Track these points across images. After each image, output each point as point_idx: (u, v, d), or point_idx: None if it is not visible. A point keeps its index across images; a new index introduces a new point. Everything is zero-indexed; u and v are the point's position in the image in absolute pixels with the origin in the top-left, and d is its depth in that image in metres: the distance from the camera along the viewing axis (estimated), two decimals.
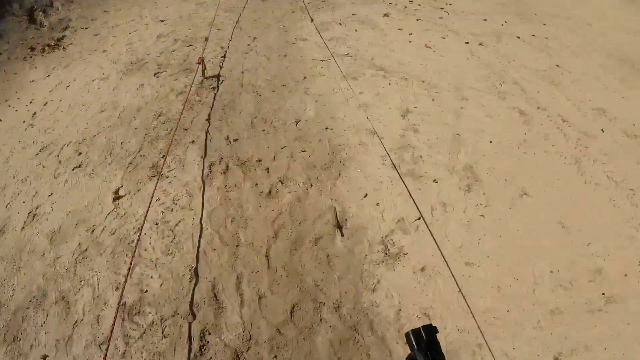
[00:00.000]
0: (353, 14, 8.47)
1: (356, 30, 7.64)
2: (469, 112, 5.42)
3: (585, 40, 8.81)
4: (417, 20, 8.32)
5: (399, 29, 7.80)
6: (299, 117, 5.24)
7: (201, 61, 6.25)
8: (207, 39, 7.26)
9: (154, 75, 6.51)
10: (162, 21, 8.57)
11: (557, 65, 7.09)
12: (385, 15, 8.42)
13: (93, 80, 6.55)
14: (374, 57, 6.59)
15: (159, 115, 5.63)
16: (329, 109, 5.35)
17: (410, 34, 7.55)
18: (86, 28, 8.53)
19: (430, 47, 7.03)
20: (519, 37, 8.22)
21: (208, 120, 5.43)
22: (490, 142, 4.91)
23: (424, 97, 5.60)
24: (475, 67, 6.63)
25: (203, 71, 6.30)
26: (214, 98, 5.83)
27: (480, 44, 7.49)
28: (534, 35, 8.55)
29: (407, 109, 5.34)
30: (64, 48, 7.71)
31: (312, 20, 8.00)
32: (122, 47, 7.52)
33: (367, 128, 4.96)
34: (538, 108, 5.72)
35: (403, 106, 5.39)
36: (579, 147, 5.07)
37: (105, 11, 9.36)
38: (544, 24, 9.54)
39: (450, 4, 9.94)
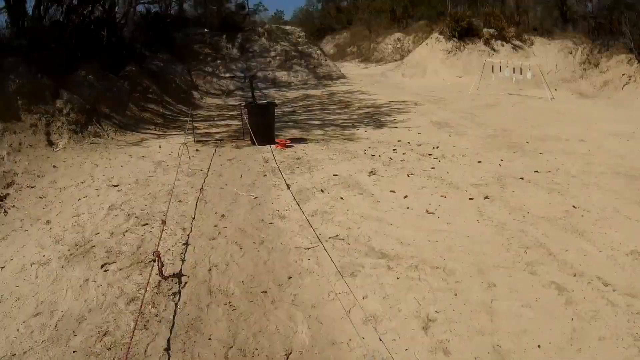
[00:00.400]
0: (335, 175, 7.56)
1: (342, 199, 6.64)
2: (503, 305, 4.26)
3: (586, 162, 8.15)
4: (408, 175, 7.46)
5: (391, 191, 6.85)
6: (289, 344, 3.96)
7: (157, 257, 5.04)
8: (164, 222, 6.10)
9: (101, 267, 5.25)
10: (116, 186, 7.54)
11: (574, 207, 6.19)
12: (372, 173, 7.55)
13: (31, 265, 5.29)
14: (370, 237, 5.50)
15: (104, 335, 4.26)
16: (328, 329, 4.09)
17: (406, 197, 6.59)
18: (32, 187, 7.45)
19: (432, 213, 6.02)
20: (522, 179, 7.38)
21: (167, 350, 4.10)
22: (539, 346, 3.70)
23: (445, 293, 4.43)
24: (491, 234, 5.60)
25: (160, 269, 5.08)
26: (175, 312, 4.54)
27: (486, 198, 6.55)
28: (536, 171, 7.74)
29: (427, 315, 4.14)
30: (5, 211, 6.59)
31: (288, 187, 7.00)
32: (68, 219, 6.39)
33: (383, 358, 3.69)
34: (574, 275, 4.67)
35: (422, 312, 4.18)
36: (632, 318, 3.98)
37: (54, 166, 8.37)
38: (540, 153, 8.87)
39: (438, 147, 9.26)
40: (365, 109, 15.67)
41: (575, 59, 27.30)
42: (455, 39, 27.40)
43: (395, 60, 37.82)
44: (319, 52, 28.44)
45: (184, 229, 6.09)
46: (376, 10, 45.93)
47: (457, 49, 27.37)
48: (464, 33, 27.30)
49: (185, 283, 4.96)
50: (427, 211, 6.08)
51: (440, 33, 27.88)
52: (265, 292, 4.66)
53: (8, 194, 7.10)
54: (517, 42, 28.13)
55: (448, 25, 27.19)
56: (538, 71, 21.44)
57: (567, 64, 26.64)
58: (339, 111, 15.41)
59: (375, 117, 13.77)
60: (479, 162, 8.39)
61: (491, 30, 27.77)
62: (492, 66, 21.83)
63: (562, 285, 4.54)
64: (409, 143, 10.00)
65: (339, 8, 59.10)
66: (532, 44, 28.44)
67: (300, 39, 28.38)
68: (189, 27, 26.67)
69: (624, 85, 23.01)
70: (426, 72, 26.89)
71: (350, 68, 31.96)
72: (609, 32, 27.31)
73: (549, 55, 27.24)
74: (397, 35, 42.91)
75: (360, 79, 27.11)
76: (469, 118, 13.33)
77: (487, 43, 27.54)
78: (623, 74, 23.64)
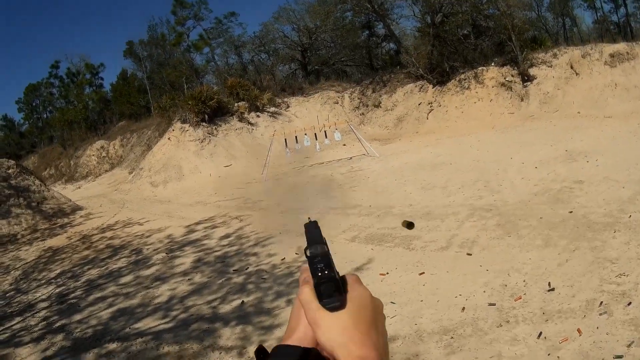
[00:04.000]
0: None
1: None
2: None
3: None
4: None
5: None
6: None
7: None
8: None
9: None
10: None
11: None
12: None
13: None
14: None
15: None
16: None
17: None
18: None
19: None
20: None
21: None
22: None
23: None
24: None
25: None
26: None
27: None
28: None
29: None
30: None
31: None
32: None
33: None
34: None
35: None
36: None
37: None
38: None
39: None
40: (183, 256, 10.11)
41: (345, 107, 25.53)
42: (205, 124, 22.96)
43: (107, 171, 33.10)
44: (37, 182, 20.63)
45: None
46: (68, 121, 39.34)
47: (210, 135, 22.98)
48: (213, 114, 22.97)
49: None
50: None
51: (184, 121, 22.95)
52: None
53: None
54: (273, 109, 25.18)
55: (192, 109, 22.43)
56: (346, 127, 18.77)
57: (337, 114, 24.59)
58: (149, 272, 9.42)
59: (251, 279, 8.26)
60: None
61: (242, 103, 24.12)
62: (285, 140, 17.87)
63: None
64: None
65: (22, 133, 51.39)
66: (288, 106, 25.97)
67: (11, 170, 20.24)
68: None
69: (428, 113, 21.74)
70: (183, 172, 21.68)
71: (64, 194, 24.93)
72: (371, 69, 26.67)
73: (311, 112, 24.88)
74: (100, 143, 37.15)
75: (96, 203, 20.48)
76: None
77: (241, 119, 23.77)
78: (420, 103, 22.50)
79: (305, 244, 0.96)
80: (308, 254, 0.94)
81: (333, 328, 0.86)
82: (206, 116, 22.88)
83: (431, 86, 22.67)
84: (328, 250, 0.95)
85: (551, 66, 20.14)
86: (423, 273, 6.65)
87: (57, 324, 7.54)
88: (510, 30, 20.35)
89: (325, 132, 17.53)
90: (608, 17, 31.09)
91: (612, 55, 18.83)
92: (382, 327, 0.92)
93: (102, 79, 45.72)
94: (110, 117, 42.19)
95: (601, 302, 5.07)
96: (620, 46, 19.34)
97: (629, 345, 4.31)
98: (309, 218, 1.04)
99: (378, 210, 10.24)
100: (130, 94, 40.38)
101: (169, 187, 20.64)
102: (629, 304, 4.93)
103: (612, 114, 16.36)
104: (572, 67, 19.45)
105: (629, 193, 8.10)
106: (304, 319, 0.90)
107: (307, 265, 0.94)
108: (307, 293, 0.90)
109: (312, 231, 0.98)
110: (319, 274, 0.90)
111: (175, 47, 37.48)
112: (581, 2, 31.67)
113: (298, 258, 8.23)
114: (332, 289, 0.89)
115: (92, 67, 44.34)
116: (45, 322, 7.75)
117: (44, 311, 8.31)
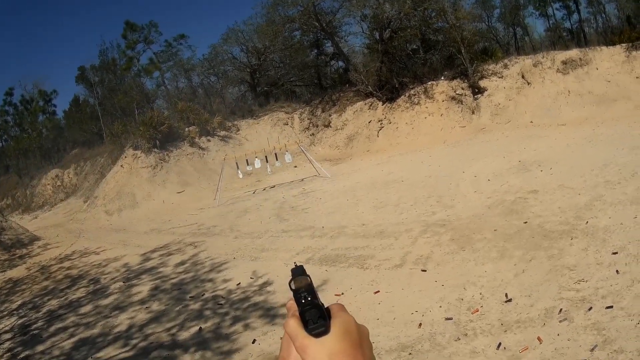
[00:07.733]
0: None
1: None
2: None
3: None
4: None
5: None
6: None
7: None
8: None
9: None
10: None
11: None
12: None
13: None
14: None
15: None
16: None
17: None
18: None
19: None
20: None
21: None
22: None
23: None
24: None
25: None
26: None
27: None
28: None
29: None
30: None
31: None
32: None
33: None
34: None
35: None
36: None
37: None
38: None
39: None
40: (140, 284, 9.89)
41: (295, 128, 25.52)
42: (156, 150, 22.64)
43: (62, 200, 32.61)
44: None
45: None
46: (23, 150, 38.71)
47: (162, 161, 22.65)
48: (164, 139, 22.74)
49: None
50: None
51: (136, 148, 22.59)
52: None
53: None
54: (224, 132, 25.03)
55: (144, 135, 22.12)
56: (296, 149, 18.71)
57: (288, 135, 24.58)
58: (108, 301, 9.21)
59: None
60: None
61: (193, 127, 23.99)
62: (237, 163, 17.73)
63: None
64: None
65: None
66: (238, 129, 25.79)
67: None
68: None
69: (378, 131, 21.87)
70: (136, 199, 21.39)
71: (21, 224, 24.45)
72: (320, 88, 26.79)
73: (262, 134, 24.76)
74: (54, 171, 36.65)
75: (53, 233, 20.34)
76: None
77: (192, 143, 23.56)
78: (370, 121, 22.63)
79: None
80: (293, 287, 0.98)
81: (320, 354, 0.87)
82: (157, 142, 22.60)
83: (381, 103, 22.87)
84: (311, 282, 0.99)
85: (502, 77, 20.49)
86: (378, 292, 6.53)
87: (22, 355, 7.49)
88: (460, 42, 20.69)
89: (276, 154, 17.45)
90: (561, 24, 31.44)
91: (564, 62, 19.21)
92: (369, 352, 0.93)
93: (55, 106, 45.07)
94: (64, 145, 41.57)
95: (561, 309, 5.01)
96: (573, 53, 19.72)
97: (592, 350, 4.26)
98: (295, 263, 1.12)
99: (331, 231, 10.15)
100: (82, 121, 39.85)
101: (124, 215, 20.35)
102: (590, 309, 4.88)
103: (566, 121, 16.67)
104: (523, 77, 19.84)
105: (585, 199, 8.15)
106: (294, 350, 0.91)
107: (292, 302, 0.96)
108: (293, 324, 0.93)
109: (297, 271, 1.02)
110: (303, 301, 0.94)
111: (126, 72, 37.05)
112: (532, 11, 32.13)
113: (253, 282, 8.15)
114: (316, 315, 0.92)
115: (45, 94, 43.71)
116: (9, 354, 7.69)
117: (8, 342, 8.21)
